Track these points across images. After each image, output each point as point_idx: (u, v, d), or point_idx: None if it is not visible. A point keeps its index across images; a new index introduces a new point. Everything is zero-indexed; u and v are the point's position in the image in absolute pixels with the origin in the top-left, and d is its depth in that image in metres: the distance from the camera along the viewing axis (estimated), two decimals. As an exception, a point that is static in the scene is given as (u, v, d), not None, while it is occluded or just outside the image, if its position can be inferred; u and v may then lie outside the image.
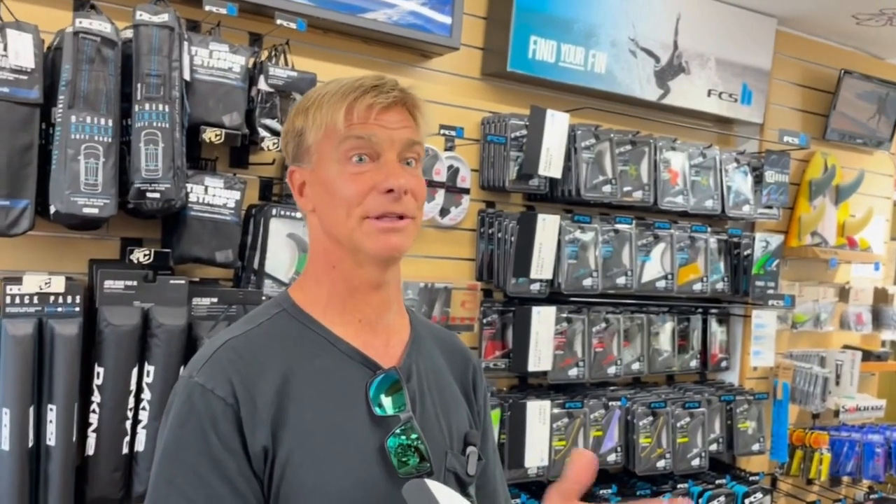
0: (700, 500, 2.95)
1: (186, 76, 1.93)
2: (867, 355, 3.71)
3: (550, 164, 2.61)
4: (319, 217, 1.06)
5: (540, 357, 2.64)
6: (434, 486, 0.91)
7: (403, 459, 0.99)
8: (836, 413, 3.62)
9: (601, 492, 2.78)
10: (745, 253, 3.15)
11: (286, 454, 0.96)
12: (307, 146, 1.04)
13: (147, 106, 1.84)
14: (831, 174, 3.57)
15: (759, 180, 3.20)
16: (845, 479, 3.71)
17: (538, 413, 2.60)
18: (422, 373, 1.09)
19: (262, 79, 2.09)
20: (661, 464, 2.88)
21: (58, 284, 1.83)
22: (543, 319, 2.64)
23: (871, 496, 3.70)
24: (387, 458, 0.99)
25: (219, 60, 2.02)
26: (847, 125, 3.63)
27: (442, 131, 2.52)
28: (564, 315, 2.76)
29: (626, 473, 2.98)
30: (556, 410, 2.66)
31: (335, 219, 1.02)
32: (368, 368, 1.03)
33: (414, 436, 1.00)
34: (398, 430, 1.00)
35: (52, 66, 1.85)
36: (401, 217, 1.01)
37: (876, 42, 3.66)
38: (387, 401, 1.01)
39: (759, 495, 3.07)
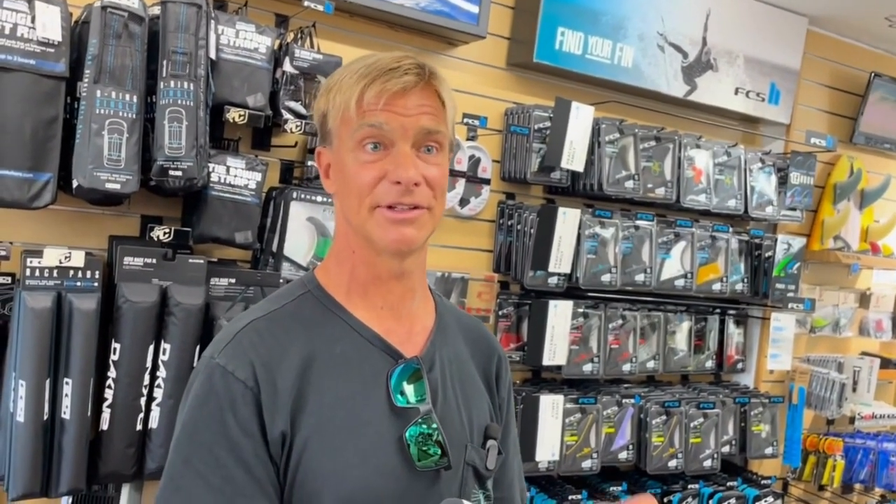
0: (710, 502, 2.92)
1: (212, 55, 1.92)
2: (886, 363, 3.67)
3: (573, 157, 2.59)
4: (340, 202, 1.04)
5: (555, 351, 2.63)
6: None
7: (424, 449, 0.98)
8: (852, 420, 3.58)
9: (611, 488, 2.76)
10: (767, 255, 3.11)
11: (304, 439, 0.95)
12: (328, 129, 1.03)
13: (172, 83, 1.84)
14: (857, 178, 3.51)
15: (783, 181, 3.16)
16: (858, 486, 3.67)
17: (551, 407, 2.58)
18: (444, 362, 1.08)
19: (287, 60, 2.08)
20: (672, 463, 2.86)
21: (77, 259, 1.84)
22: (560, 314, 2.63)
23: (884, 505, 3.66)
24: (405, 448, 0.97)
25: (245, 40, 2.01)
26: (875, 129, 3.57)
27: (465, 120, 2.51)
28: (581, 310, 2.74)
29: (637, 471, 2.96)
30: (569, 405, 2.64)
31: (350, 206, 1.01)
32: (390, 356, 1.02)
33: (434, 426, 0.98)
34: (419, 420, 0.98)
35: (78, 39, 1.85)
36: (414, 207, 0.98)
37: (908, 45, 3.60)
38: (408, 390, 1.00)
39: (770, 499, 3.04)
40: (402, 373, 1.00)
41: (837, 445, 3.44)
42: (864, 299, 3.69)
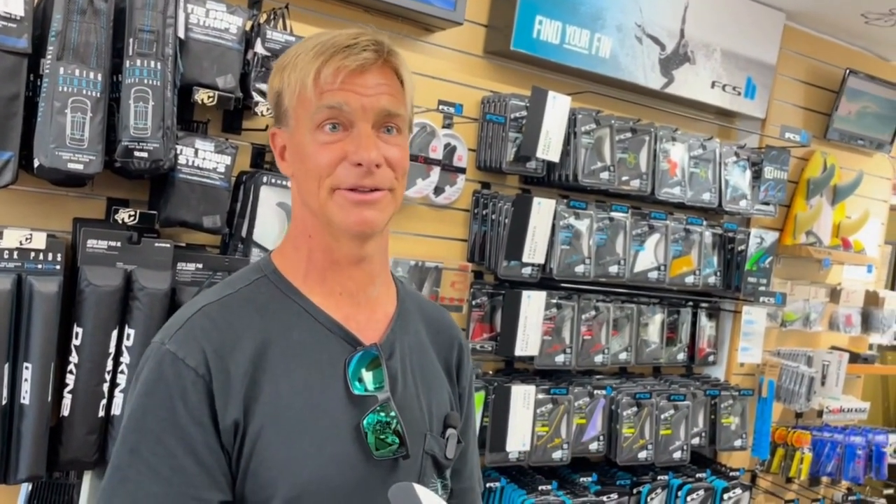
0: (679, 493, 2.94)
1: (181, 34, 1.88)
2: (854, 357, 3.71)
3: (549, 147, 2.58)
4: (297, 185, 1.01)
5: (527, 342, 2.62)
6: (421, 490, 0.88)
7: (382, 438, 0.96)
8: (820, 413, 3.62)
9: (581, 479, 2.77)
10: (739, 248, 3.12)
11: (258, 428, 0.92)
12: (284, 109, 0.99)
13: (138, 62, 1.79)
14: (830, 174, 3.54)
15: (757, 176, 3.17)
16: (825, 479, 3.72)
17: (523, 398, 2.58)
18: (405, 350, 1.06)
19: (258, 42, 2.04)
20: (642, 455, 2.87)
21: (39, 241, 1.79)
22: (533, 304, 2.62)
23: (850, 498, 3.71)
24: (362, 436, 0.95)
25: (215, 20, 1.96)
26: (849, 125, 3.60)
27: (441, 108, 2.48)
28: (554, 301, 2.74)
29: (607, 462, 2.97)
30: (540, 396, 2.64)
31: (308, 188, 0.98)
32: (349, 343, 1.00)
33: (392, 414, 0.97)
34: (377, 409, 0.96)
35: (42, 15, 1.79)
36: (374, 189, 0.96)
37: (883, 43, 3.63)
38: (366, 378, 0.98)
39: (738, 491, 3.07)
40: (360, 360, 0.98)
41: (805, 438, 3.48)
42: (834, 294, 3.73)
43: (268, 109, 2.03)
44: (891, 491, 3.90)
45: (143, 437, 0.91)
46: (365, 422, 0.96)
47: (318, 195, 0.97)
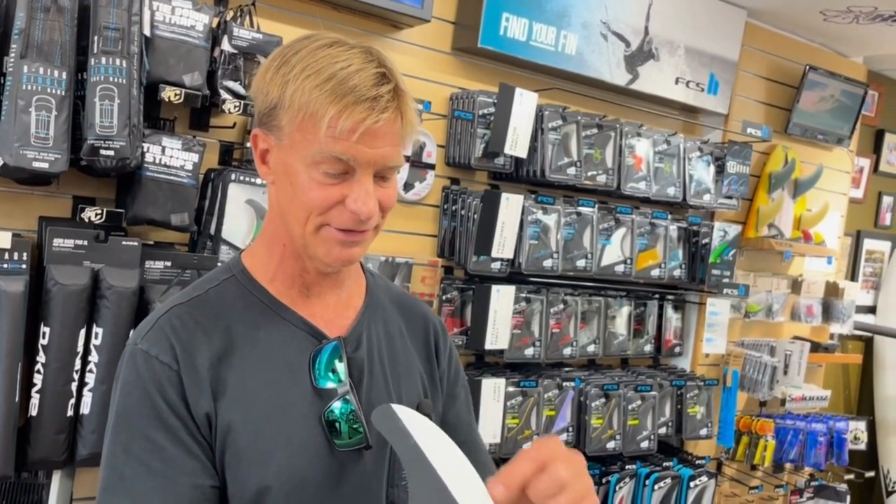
0: (647, 482, 3.00)
1: (146, 31, 1.87)
2: (815, 346, 3.80)
3: (517, 143, 2.61)
4: (278, 198, 1.00)
5: (497, 335, 2.65)
6: (399, 409, 0.90)
7: (355, 427, 0.99)
8: (783, 402, 3.71)
9: (551, 470, 2.81)
10: (704, 241, 3.19)
11: (227, 422, 0.95)
12: (278, 124, 0.95)
13: (104, 60, 1.79)
14: (791, 168, 3.63)
15: (720, 170, 3.24)
16: (788, 465, 3.82)
17: (493, 391, 2.61)
18: (373, 340, 1.08)
19: (225, 39, 2.03)
20: (611, 445, 2.93)
21: (4, 240, 1.78)
22: (502, 298, 2.65)
23: (812, 483, 3.81)
24: (329, 428, 0.98)
25: (181, 17, 1.96)
26: (809, 120, 3.69)
27: (409, 104, 2.49)
28: (523, 295, 2.77)
29: (576, 453, 3.02)
30: (510, 389, 2.68)
31: (292, 214, 0.97)
32: (314, 338, 1.02)
33: (352, 407, 0.99)
34: (344, 399, 0.99)
35: (5, 12, 1.78)
36: (363, 231, 0.98)
37: (841, 39, 3.72)
38: (340, 367, 1.00)
39: (704, 479, 3.14)
40: (324, 353, 1.01)
41: (769, 426, 3.56)
42: (796, 285, 3.82)
43: (235, 107, 2.03)
44: (851, 476, 4.01)
45: (132, 436, 0.93)
46: (337, 412, 0.98)
47: (305, 227, 0.97)
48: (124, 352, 0.99)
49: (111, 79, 1.78)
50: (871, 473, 4.12)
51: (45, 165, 1.74)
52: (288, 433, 0.97)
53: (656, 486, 3.01)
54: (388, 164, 0.96)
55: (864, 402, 4.78)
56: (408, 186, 2.59)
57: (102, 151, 1.79)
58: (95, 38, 1.79)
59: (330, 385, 0.99)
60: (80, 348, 1.83)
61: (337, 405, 0.98)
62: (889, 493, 4.54)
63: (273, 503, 0.95)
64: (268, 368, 0.99)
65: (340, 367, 1.00)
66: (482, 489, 0.79)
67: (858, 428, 3.86)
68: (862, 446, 3.89)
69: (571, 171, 2.77)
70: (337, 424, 0.98)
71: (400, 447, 0.84)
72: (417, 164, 2.60)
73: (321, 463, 0.98)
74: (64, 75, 1.77)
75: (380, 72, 0.94)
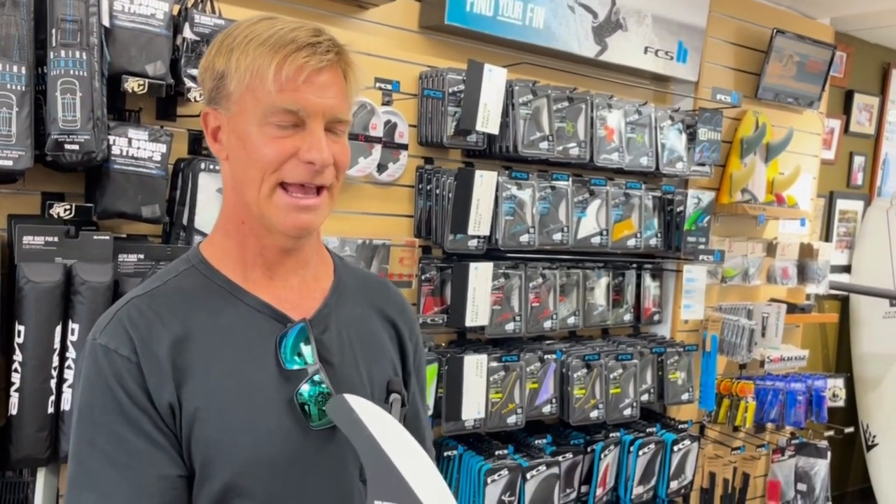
0: (631, 448, 3.05)
1: (105, 22, 1.85)
2: (792, 308, 3.86)
3: (488, 119, 2.61)
4: (232, 170, 1.02)
5: (477, 312, 2.67)
6: (353, 399, 0.93)
7: (324, 409, 0.99)
8: (762, 363, 3.77)
9: (536, 441, 2.85)
10: (678, 209, 3.22)
11: (192, 410, 0.96)
12: (227, 93, 0.98)
13: (63, 53, 1.76)
14: (762, 132, 3.66)
15: (692, 138, 3.26)
16: (769, 425, 3.89)
17: (475, 367, 2.63)
18: (341, 322, 1.09)
19: (187, 27, 2.01)
20: (594, 414, 2.97)
21: (-28, 240, 1.76)
22: (481, 275, 2.67)
23: (793, 441, 3.89)
24: (297, 410, 0.99)
25: (140, 6, 1.93)
26: (778, 84, 3.72)
27: (378, 85, 2.48)
28: (501, 271, 2.79)
29: (560, 424, 3.06)
30: (492, 364, 2.70)
31: (247, 179, 0.98)
32: (278, 322, 1.02)
33: (323, 386, 1.00)
34: (313, 380, 0.99)
35: (-42, 8, 1.74)
36: (319, 189, 0.99)
37: (808, 2, 3.74)
38: (306, 350, 1.01)
39: (686, 442, 3.20)
40: (290, 336, 1.01)
41: (749, 388, 3.63)
42: (770, 248, 3.87)
43: (201, 95, 2.00)
44: (831, 433, 4.10)
45: (96, 430, 0.94)
46: (306, 394, 0.99)
47: (259, 189, 0.98)
48: (84, 347, 1.00)
49: (72, 72, 1.76)
50: (850, 429, 4.21)
51: (9, 163, 1.72)
52: (253, 417, 0.97)
53: (640, 452, 3.06)
54: (338, 116, 0.99)
55: (842, 360, 4.87)
56: (381, 168, 2.59)
57: (67, 146, 1.77)
58: (53, 30, 1.76)
59: (296, 368, 1.00)
60: (57, 345, 1.83)
61: (305, 388, 0.99)
62: (869, 448, 4.65)
63: (243, 487, 0.96)
64: (230, 354, 0.99)
65: (307, 350, 1.01)
66: (439, 478, 0.82)
67: (837, 385, 3.94)
68: (841, 403, 3.96)
69: (544, 145, 2.77)
70: (306, 407, 0.99)
71: (355, 438, 0.87)
72: (390, 144, 2.59)
73: (290, 446, 0.99)
74: (23, 70, 1.74)
75: (317, 27, 0.99)
